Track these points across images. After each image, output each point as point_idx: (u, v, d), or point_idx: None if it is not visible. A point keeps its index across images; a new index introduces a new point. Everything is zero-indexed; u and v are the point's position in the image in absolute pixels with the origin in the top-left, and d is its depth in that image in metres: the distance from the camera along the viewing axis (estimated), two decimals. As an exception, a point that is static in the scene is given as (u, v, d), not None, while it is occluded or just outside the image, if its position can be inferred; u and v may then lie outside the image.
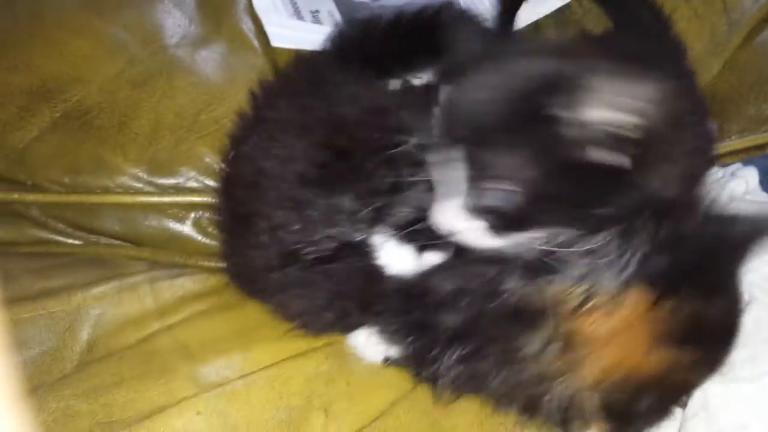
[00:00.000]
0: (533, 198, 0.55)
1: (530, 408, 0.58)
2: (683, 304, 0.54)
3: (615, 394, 0.55)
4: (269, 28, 0.98)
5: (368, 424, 0.64)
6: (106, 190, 0.88)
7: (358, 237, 0.66)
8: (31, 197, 0.86)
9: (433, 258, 0.63)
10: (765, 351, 0.59)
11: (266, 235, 0.71)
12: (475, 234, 0.58)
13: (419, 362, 0.64)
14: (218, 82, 0.93)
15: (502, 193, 0.55)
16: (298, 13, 1.01)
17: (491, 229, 0.57)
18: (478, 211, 0.57)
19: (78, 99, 0.89)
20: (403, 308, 0.65)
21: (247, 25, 0.99)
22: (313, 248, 0.68)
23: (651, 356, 0.54)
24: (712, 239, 0.56)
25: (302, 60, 0.90)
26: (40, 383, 0.66)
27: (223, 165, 0.84)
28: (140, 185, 0.88)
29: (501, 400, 0.60)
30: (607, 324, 0.54)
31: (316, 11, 1.02)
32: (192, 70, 0.93)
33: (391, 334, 0.67)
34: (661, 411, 0.57)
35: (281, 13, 1.00)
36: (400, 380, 0.68)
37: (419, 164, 0.64)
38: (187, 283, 0.79)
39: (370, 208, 0.66)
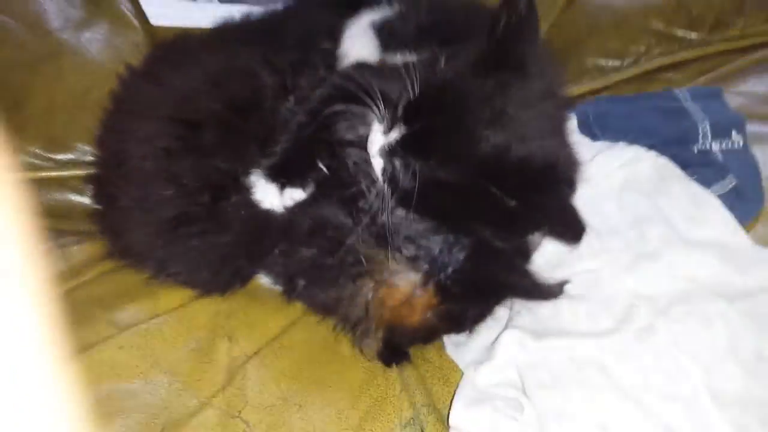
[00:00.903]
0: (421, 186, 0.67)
1: (341, 324, 0.77)
2: (456, 307, 0.72)
3: (392, 327, 0.73)
4: (147, 8, 1.06)
5: (267, 343, 0.76)
6: (7, 168, 0.95)
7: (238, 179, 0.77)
8: (-65, 179, 0.93)
9: (294, 195, 0.74)
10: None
11: (139, 210, 0.81)
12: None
13: (285, 284, 0.79)
14: (104, 61, 1.00)
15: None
16: (173, -7, 1.10)
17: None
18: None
19: (-28, 85, 0.95)
20: (274, 241, 0.78)
21: (125, 6, 1.07)
22: (194, 206, 0.78)
23: (420, 320, 0.73)
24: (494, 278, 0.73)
25: (164, 43, 1.00)
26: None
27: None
28: (39, 162, 0.96)
29: (325, 314, 0.78)
30: (400, 300, 0.72)
31: (191, -10, 1.11)
32: (78, 51, 1.01)
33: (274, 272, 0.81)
34: (423, 340, 0.77)
35: (156, -7, 1.09)
36: (291, 310, 0.81)
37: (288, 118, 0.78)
38: (93, 247, 0.88)
39: (242, 162, 0.77)
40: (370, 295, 0.73)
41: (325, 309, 0.78)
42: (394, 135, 0.67)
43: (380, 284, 0.73)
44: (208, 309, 0.79)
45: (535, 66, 0.68)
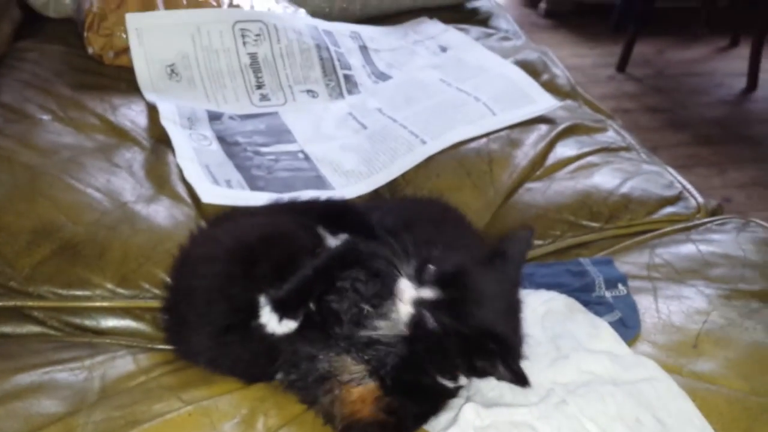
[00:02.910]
0: None
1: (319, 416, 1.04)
2: (395, 401, 1.00)
3: (350, 420, 1.01)
4: (197, 191, 1.43)
5: (291, 419, 1.03)
6: (89, 299, 1.26)
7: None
8: (36, 303, 1.23)
9: (289, 325, 1.04)
10: None
11: (199, 322, 1.12)
12: None
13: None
14: (166, 226, 1.36)
15: None
16: (216, 181, 1.48)
17: None
18: None
19: (69, 237, 1.28)
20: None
21: (181, 188, 1.45)
22: (238, 319, 1.09)
23: (370, 413, 1.00)
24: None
25: (222, 214, 1.37)
26: (78, 409, 1.02)
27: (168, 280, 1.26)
28: (112, 295, 1.27)
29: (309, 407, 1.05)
30: (355, 396, 1.00)
31: (229, 180, 1.49)
32: (147, 218, 1.36)
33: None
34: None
35: (204, 181, 1.47)
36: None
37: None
38: (157, 355, 1.17)
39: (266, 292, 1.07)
40: (335, 394, 1.01)
41: (308, 403, 1.05)
42: (427, 293, 1.00)
43: (341, 384, 1.01)
44: (248, 394, 1.07)
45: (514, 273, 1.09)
